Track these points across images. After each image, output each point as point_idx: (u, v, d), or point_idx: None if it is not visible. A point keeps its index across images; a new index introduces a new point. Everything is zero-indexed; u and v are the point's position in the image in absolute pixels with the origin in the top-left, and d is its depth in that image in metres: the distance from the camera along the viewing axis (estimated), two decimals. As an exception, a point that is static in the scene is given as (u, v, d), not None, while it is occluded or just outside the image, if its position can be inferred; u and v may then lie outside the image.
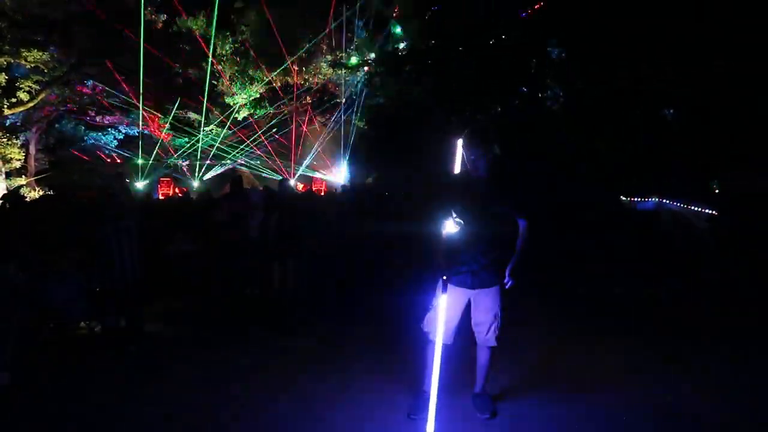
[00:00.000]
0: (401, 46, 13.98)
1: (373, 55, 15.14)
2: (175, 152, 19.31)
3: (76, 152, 19.38)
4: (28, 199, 10.74)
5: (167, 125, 17.86)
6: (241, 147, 19.18)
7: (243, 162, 20.32)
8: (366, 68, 15.15)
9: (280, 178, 13.13)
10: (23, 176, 16.10)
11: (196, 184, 19.77)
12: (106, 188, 6.67)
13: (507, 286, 3.50)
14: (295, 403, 3.76)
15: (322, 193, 17.44)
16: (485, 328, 3.47)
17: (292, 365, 4.57)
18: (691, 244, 10.67)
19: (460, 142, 3.42)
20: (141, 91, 15.18)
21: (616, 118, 9.95)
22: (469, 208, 3.38)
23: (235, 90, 16.78)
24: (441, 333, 3.45)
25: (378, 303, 6.63)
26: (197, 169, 19.87)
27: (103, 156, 20.35)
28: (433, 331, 3.49)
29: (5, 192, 13.60)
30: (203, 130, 17.77)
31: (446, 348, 3.53)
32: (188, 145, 18.51)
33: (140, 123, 17.29)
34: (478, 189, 3.41)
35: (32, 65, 13.90)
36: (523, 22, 10.79)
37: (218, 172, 20.60)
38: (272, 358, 4.80)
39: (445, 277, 3.46)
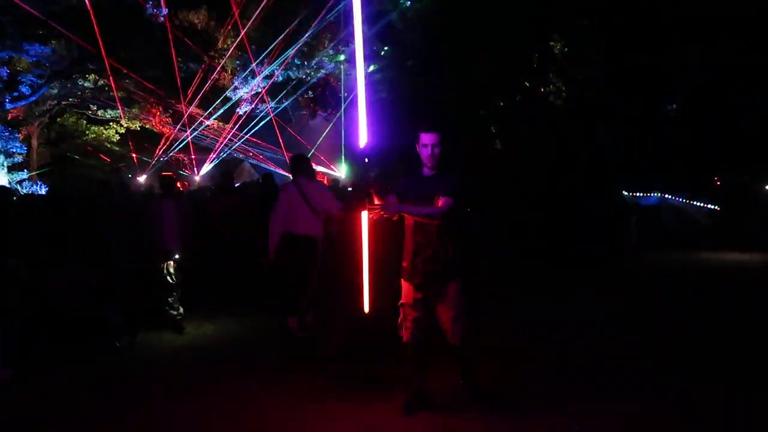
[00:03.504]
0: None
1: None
2: (177, 146, 19.28)
3: (77, 147, 19.35)
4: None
5: (169, 119, 17.82)
6: (242, 142, 19.12)
7: (240, 152, 20.25)
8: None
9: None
10: (25, 170, 16.08)
11: (197, 178, 19.74)
12: (103, 183, 6.66)
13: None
14: (297, 398, 3.77)
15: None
16: (450, 326, 3.40)
17: (290, 361, 4.59)
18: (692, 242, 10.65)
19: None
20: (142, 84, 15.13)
21: (617, 113, 9.92)
22: (418, 203, 3.37)
23: (236, 84, 16.71)
24: (412, 334, 3.45)
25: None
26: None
27: (104, 151, 20.34)
28: (405, 332, 3.48)
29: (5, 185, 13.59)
30: (204, 125, 17.74)
31: (424, 347, 3.51)
32: (188, 139, 18.47)
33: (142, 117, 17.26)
34: (422, 182, 3.43)
35: (34, 59, 13.88)
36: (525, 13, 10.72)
37: (215, 162, 20.53)
38: (271, 352, 4.82)
39: (406, 277, 3.46)
